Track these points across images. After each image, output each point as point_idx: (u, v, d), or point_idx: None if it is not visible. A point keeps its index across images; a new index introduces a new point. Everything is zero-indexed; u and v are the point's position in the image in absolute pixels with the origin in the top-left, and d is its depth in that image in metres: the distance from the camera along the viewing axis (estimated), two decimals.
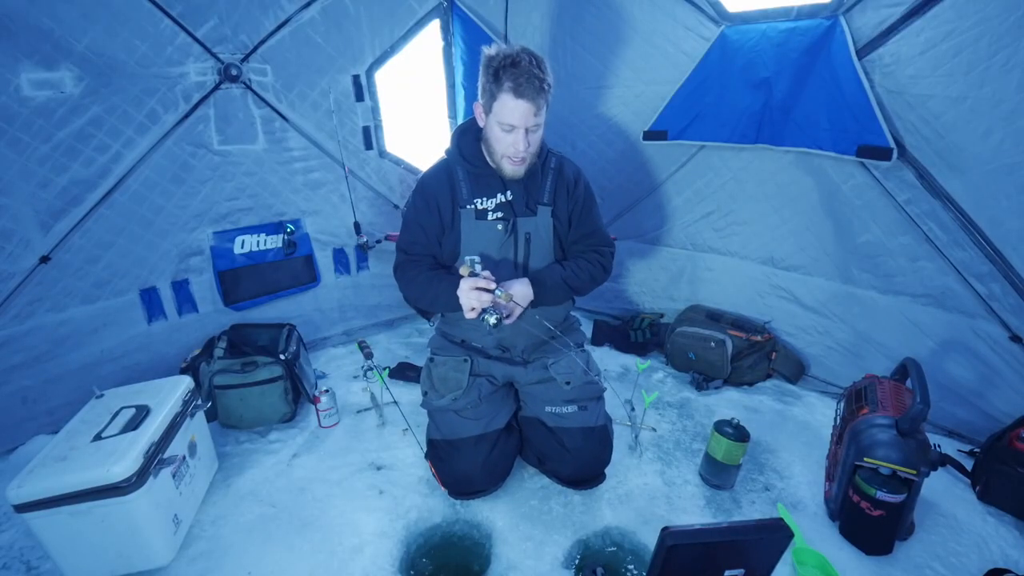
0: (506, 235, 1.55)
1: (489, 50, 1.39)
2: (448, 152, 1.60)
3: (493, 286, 1.42)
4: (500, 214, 1.54)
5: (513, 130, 1.39)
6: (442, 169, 1.58)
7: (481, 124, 1.49)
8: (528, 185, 1.56)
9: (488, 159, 1.53)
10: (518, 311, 1.50)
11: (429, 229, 1.58)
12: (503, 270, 1.56)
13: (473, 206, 1.53)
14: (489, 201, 1.54)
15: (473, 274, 1.46)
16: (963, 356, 1.94)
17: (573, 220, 1.63)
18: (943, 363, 1.98)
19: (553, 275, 1.58)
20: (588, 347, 1.82)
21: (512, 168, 1.47)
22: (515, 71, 1.32)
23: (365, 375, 2.44)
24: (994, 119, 1.62)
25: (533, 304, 1.55)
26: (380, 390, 2.20)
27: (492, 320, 1.43)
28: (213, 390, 2.01)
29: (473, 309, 1.43)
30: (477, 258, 1.49)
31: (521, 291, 1.50)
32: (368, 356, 2.21)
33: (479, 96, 1.43)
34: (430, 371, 1.72)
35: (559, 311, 1.73)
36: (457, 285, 1.46)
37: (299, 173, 2.52)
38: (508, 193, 1.54)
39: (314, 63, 2.38)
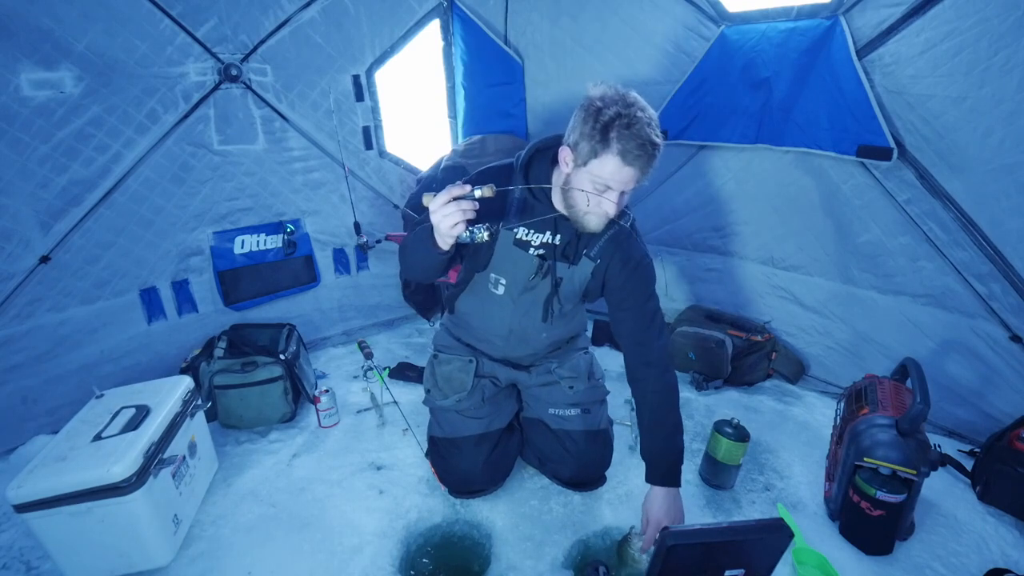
0: (538, 276, 1.43)
1: (595, 91, 1.20)
2: (512, 165, 1.39)
3: (468, 188, 1.13)
4: (541, 252, 1.41)
5: (608, 191, 1.21)
6: (497, 176, 1.36)
7: (565, 169, 1.26)
8: (581, 235, 1.38)
9: (555, 201, 1.35)
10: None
11: None
12: (526, 304, 1.50)
13: (516, 232, 1.38)
14: (535, 236, 1.39)
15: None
16: (963, 356, 1.94)
17: (621, 292, 1.45)
18: (943, 363, 1.98)
19: (670, 452, 1.45)
20: (590, 348, 1.81)
21: (595, 224, 1.28)
22: (629, 133, 1.13)
23: (365, 375, 2.44)
24: (994, 119, 1.62)
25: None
26: (380, 390, 2.20)
27: (485, 235, 1.16)
28: (213, 390, 2.01)
29: (457, 225, 1.12)
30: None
31: (656, 512, 1.41)
32: (368, 356, 2.21)
33: (571, 136, 1.22)
34: (434, 368, 1.71)
35: (572, 333, 1.71)
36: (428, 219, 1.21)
37: (299, 173, 2.52)
38: (557, 237, 1.39)
39: (314, 63, 2.38)
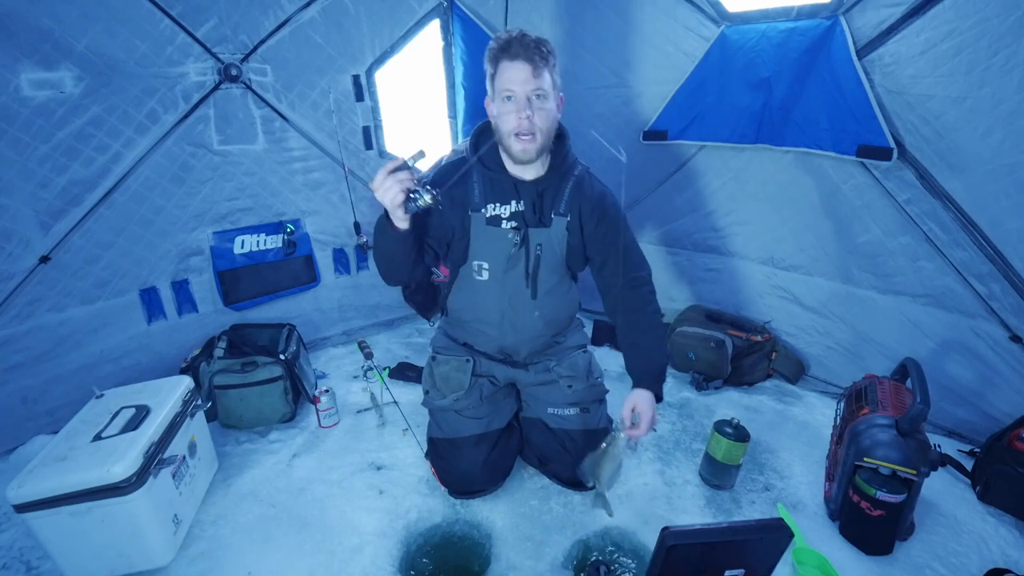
0: (516, 247, 1.47)
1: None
2: (464, 152, 1.49)
3: (404, 158, 1.19)
4: (514, 223, 1.45)
5: (513, 98, 1.29)
6: (455, 167, 1.47)
7: (491, 116, 1.40)
8: (543, 193, 1.46)
9: (503, 158, 1.44)
10: (648, 426, 1.40)
11: (430, 227, 1.48)
12: (512, 281, 1.52)
13: (485, 211, 1.45)
14: (503, 208, 1.45)
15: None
16: (963, 356, 1.94)
17: (599, 241, 1.49)
18: (943, 363, 1.98)
19: (656, 364, 1.48)
20: (589, 347, 1.81)
21: (521, 147, 1.33)
22: (508, 41, 1.28)
23: (365, 375, 2.44)
24: (994, 119, 1.62)
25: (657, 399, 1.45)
26: (380, 390, 2.20)
27: (427, 197, 1.18)
28: (213, 390, 2.01)
29: (397, 196, 1.18)
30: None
31: (649, 407, 1.42)
32: (368, 356, 2.21)
33: (487, 89, 1.37)
34: (432, 370, 1.71)
35: (564, 314, 1.70)
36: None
37: (299, 173, 2.52)
38: (521, 202, 1.46)
39: (314, 63, 2.38)
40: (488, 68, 1.34)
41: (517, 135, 1.32)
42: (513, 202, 1.46)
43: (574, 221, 1.49)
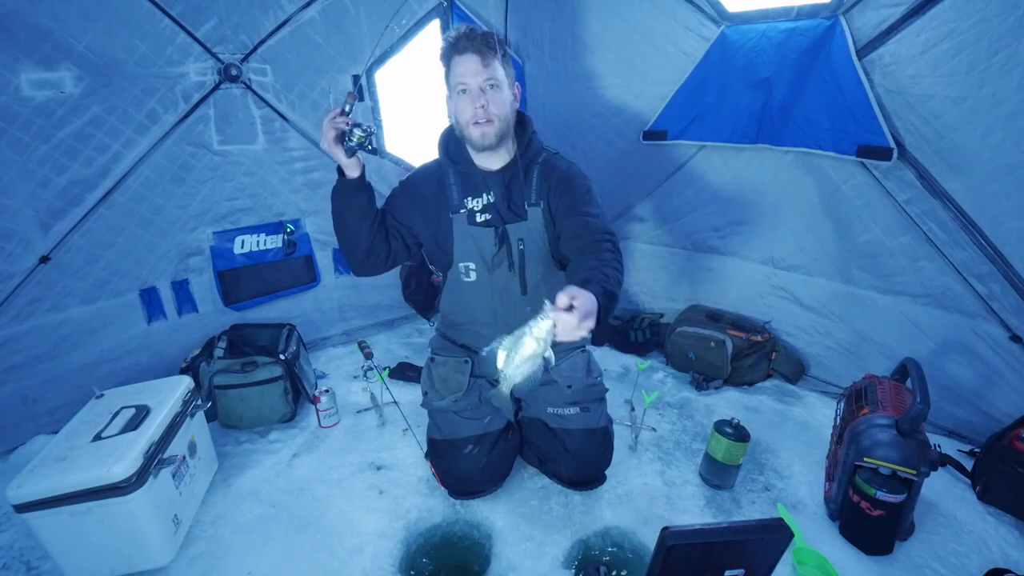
0: (496, 246, 1.49)
1: None
2: (438, 157, 1.57)
3: (343, 108, 1.35)
4: (488, 215, 1.49)
5: (468, 90, 1.35)
6: (433, 171, 1.55)
7: (450, 114, 1.45)
8: (511, 183, 1.48)
9: (471, 153, 1.47)
10: (581, 321, 1.02)
11: (410, 205, 1.54)
12: (500, 279, 1.53)
13: (465, 210, 1.49)
14: (476, 201, 1.50)
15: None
16: (963, 356, 1.94)
17: (561, 209, 1.45)
18: (943, 363, 1.98)
19: (603, 277, 1.17)
20: (588, 347, 1.81)
21: (479, 133, 1.37)
22: (456, 38, 1.34)
23: (365, 375, 2.44)
24: (994, 119, 1.62)
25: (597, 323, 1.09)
26: (380, 390, 2.20)
27: (358, 131, 1.32)
28: (213, 390, 2.01)
29: (333, 135, 1.33)
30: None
31: (587, 296, 1.04)
32: (368, 356, 2.21)
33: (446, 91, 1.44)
34: (430, 371, 1.71)
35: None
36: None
37: (299, 173, 2.52)
38: (491, 194, 1.48)
39: (314, 63, 2.38)
40: (442, 67, 1.41)
41: (475, 123, 1.38)
42: (484, 195, 1.49)
43: (545, 206, 1.49)
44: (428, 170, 1.57)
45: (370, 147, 1.37)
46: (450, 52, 1.36)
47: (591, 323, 1.03)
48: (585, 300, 1.04)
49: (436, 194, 1.52)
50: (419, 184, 1.56)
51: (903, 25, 1.71)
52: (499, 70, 1.37)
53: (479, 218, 1.49)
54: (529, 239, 1.50)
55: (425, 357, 1.78)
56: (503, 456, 1.71)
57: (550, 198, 1.48)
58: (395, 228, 1.55)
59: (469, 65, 1.33)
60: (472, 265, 1.52)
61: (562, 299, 1.03)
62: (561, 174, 1.48)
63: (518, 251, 1.50)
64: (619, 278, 1.22)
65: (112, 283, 2.10)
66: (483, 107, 1.35)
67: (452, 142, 1.52)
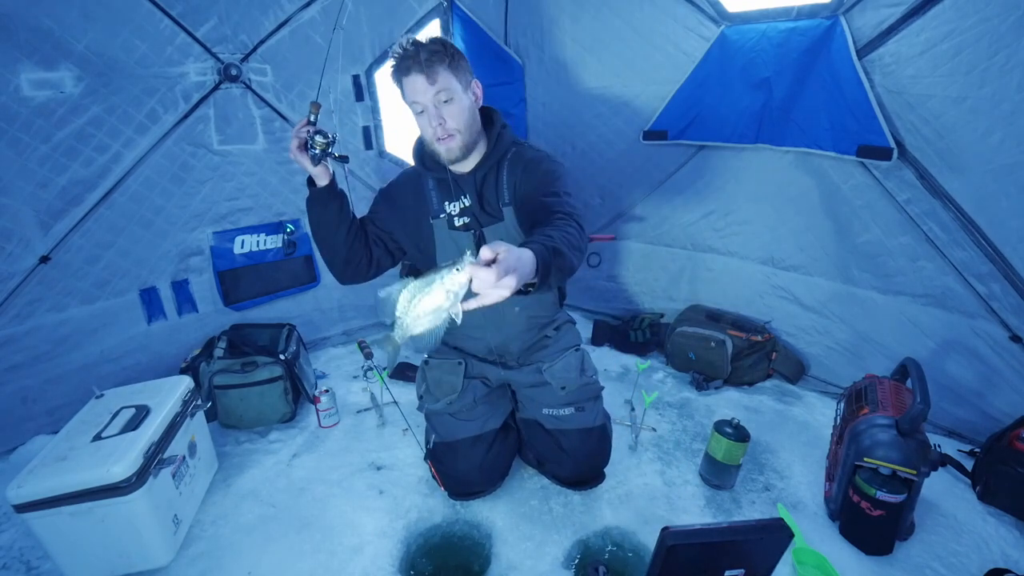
0: (475, 249, 1.39)
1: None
2: (414, 166, 1.55)
3: (308, 117, 1.37)
4: (466, 219, 1.48)
5: (424, 110, 1.34)
6: (411, 178, 1.54)
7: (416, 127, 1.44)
8: (483, 183, 1.46)
9: (443, 160, 1.44)
10: (504, 275, 0.89)
11: (391, 211, 1.54)
12: None
13: (445, 215, 1.48)
14: (453, 206, 1.49)
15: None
16: (963, 356, 1.94)
17: (530, 196, 1.38)
18: (943, 363, 1.98)
19: (549, 240, 1.07)
20: (587, 347, 1.81)
21: (446, 148, 1.37)
22: (400, 58, 1.31)
23: (365, 375, 2.44)
24: (994, 119, 1.62)
25: (539, 282, 1.03)
26: (380, 390, 2.20)
27: (319, 139, 1.32)
28: (213, 390, 2.01)
29: (297, 144, 1.33)
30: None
31: (514, 251, 0.94)
32: (368, 356, 2.21)
33: None
34: (425, 375, 1.71)
35: (548, 310, 1.69)
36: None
37: (299, 173, 2.51)
38: (465, 198, 1.47)
39: (314, 63, 2.38)
40: (394, 80, 1.37)
41: (438, 140, 1.38)
42: (461, 198, 1.48)
43: (517, 203, 1.45)
44: (407, 177, 1.57)
45: (335, 155, 1.38)
46: (398, 74, 1.33)
47: (512, 281, 0.89)
48: (510, 256, 0.91)
49: (416, 201, 1.51)
50: (399, 192, 1.55)
51: (903, 25, 1.71)
52: (450, 80, 1.31)
53: (457, 222, 1.48)
54: (508, 239, 1.36)
55: (421, 359, 1.78)
56: (501, 456, 1.70)
57: (517, 191, 1.44)
58: (377, 235, 1.54)
59: (417, 84, 1.31)
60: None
61: (485, 252, 0.90)
62: (525, 162, 1.44)
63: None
64: (569, 240, 1.10)
65: (112, 283, 2.10)
66: (441, 124, 1.34)
67: (426, 150, 1.49)
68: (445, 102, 1.33)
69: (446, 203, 1.49)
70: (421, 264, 1.59)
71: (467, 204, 1.47)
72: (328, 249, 1.50)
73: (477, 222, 1.47)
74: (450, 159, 1.41)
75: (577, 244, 1.13)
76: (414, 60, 1.29)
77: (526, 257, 0.96)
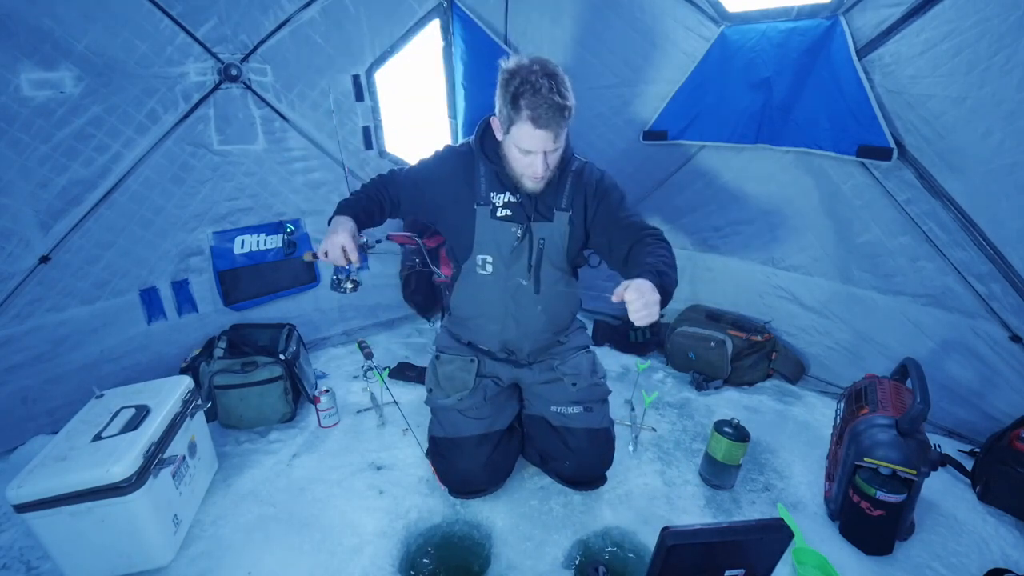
0: (519, 240, 1.49)
1: (506, 64, 1.29)
2: (471, 144, 1.51)
3: (355, 260, 1.41)
4: (509, 212, 1.48)
5: (531, 154, 1.33)
6: (462, 157, 1.51)
7: (499, 138, 1.40)
8: (542, 190, 1.46)
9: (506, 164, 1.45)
10: (648, 304, 1.12)
11: (419, 196, 1.56)
12: (515, 273, 1.53)
13: (491, 204, 1.48)
14: (499, 197, 1.48)
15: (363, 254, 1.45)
16: (963, 356, 1.94)
17: (601, 220, 1.48)
18: (943, 363, 1.98)
19: (663, 264, 1.27)
20: (592, 347, 1.81)
21: (531, 185, 1.41)
22: (534, 99, 1.22)
23: (365, 375, 2.44)
24: (994, 119, 1.62)
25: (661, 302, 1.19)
26: (380, 390, 2.20)
27: (348, 286, 1.44)
28: (213, 390, 2.01)
29: (326, 254, 1.39)
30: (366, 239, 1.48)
31: (648, 286, 1.14)
32: (368, 356, 2.21)
33: (496, 111, 1.35)
34: (436, 369, 1.71)
35: (566, 310, 1.70)
36: (338, 212, 1.46)
37: (299, 173, 2.52)
38: (518, 195, 1.47)
39: (314, 63, 2.38)
40: (504, 106, 1.29)
41: (532, 178, 1.39)
42: (509, 193, 1.48)
43: (577, 214, 1.50)
44: (458, 154, 1.53)
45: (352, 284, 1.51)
46: (526, 113, 1.25)
47: (655, 296, 1.13)
48: (644, 287, 1.13)
49: (464, 180, 1.50)
50: (445, 168, 1.52)
51: (903, 25, 1.71)
52: (564, 134, 1.33)
53: (499, 213, 1.49)
54: (550, 240, 1.51)
55: (428, 356, 1.78)
56: (505, 456, 1.71)
57: (586, 209, 1.50)
58: (393, 199, 1.57)
59: (542, 138, 1.28)
60: (489, 258, 1.52)
61: (620, 291, 1.14)
62: (595, 186, 1.49)
63: (538, 249, 1.51)
64: (668, 261, 1.29)
65: (112, 283, 2.10)
66: (544, 169, 1.35)
67: (489, 138, 1.46)
68: (555, 150, 1.35)
69: (492, 193, 1.48)
70: (457, 247, 1.58)
71: (516, 199, 1.48)
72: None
73: (525, 215, 1.48)
74: (532, 191, 1.44)
75: (673, 263, 1.32)
76: (552, 119, 1.24)
77: (647, 288, 1.14)
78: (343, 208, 1.50)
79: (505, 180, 1.47)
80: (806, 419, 2.15)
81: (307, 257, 1.57)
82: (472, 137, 1.50)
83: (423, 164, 1.58)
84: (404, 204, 1.59)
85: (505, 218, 1.49)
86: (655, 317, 1.14)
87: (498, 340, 1.66)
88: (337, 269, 1.48)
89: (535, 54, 1.31)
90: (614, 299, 1.15)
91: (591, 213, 1.50)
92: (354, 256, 1.40)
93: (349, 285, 1.44)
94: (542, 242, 1.51)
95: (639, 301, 1.11)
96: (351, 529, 1.60)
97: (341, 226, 1.40)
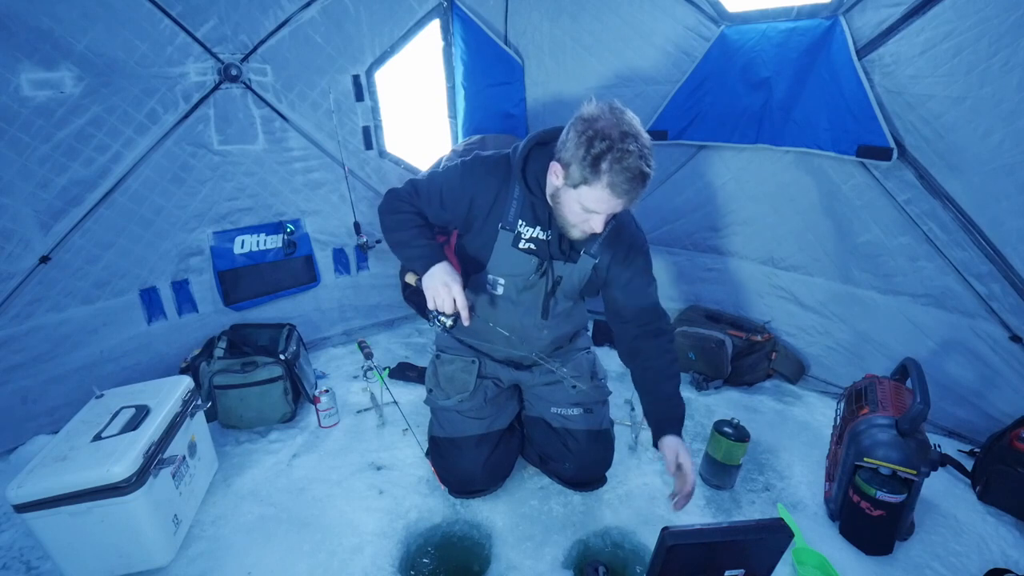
0: (536, 275, 1.44)
1: (589, 112, 1.19)
2: (511, 162, 1.38)
3: (464, 310, 1.35)
4: (532, 246, 1.41)
5: (595, 214, 1.23)
6: (499, 172, 1.39)
7: (555, 183, 1.26)
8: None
9: (549, 198, 1.33)
10: (690, 483, 1.36)
11: (446, 213, 1.45)
12: (526, 302, 1.50)
13: (516, 232, 1.40)
14: (528, 229, 1.40)
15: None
16: (963, 356, 1.94)
17: (623, 280, 1.47)
18: (943, 363, 1.98)
19: (677, 407, 1.46)
20: (593, 348, 1.81)
21: (580, 236, 1.33)
22: (620, 167, 1.13)
23: (365, 375, 2.44)
24: (994, 119, 1.62)
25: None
26: (380, 390, 2.20)
27: (448, 323, 1.38)
28: (213, 390, 2.01)
29: (433, 300, 1.35)
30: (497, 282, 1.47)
31: (687, 454, 1.38)
32: (368, 356, 2.21)
33: (562, 153, 1.21)
34: (436, 369, 1.71)
35: (572, 330, 1.71)
36: (432, 258, 1.37)
37: (299, 173, 2.52)
38: (549, 232, 1.39)
39: (314, 63, 2.38)
40: (581, 164, 1.16)
41: (585, 232, 1.31)
42: (539, 228, 1.40)
43: (602, 264, 1.46)
44: (489, 168, 1.40)
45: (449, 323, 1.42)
46: (607, 184, 1.16)
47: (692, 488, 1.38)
48: (687, 458, 1.38)
49: (493, 197, 1.39)
50: (479, 190, 1.40)
51: (903, 25, 1.71)
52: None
53: (523, 244, 1.41)
54: (568, 278, 1.47)
55: (428, 355, 1.78)
56: (505, 456, 1.71)
57: (612, 263, 1.46)
58: (424, 213, 1.49)
59: (614, 205, 1.21)
60: (502, 281, 1.48)
61: (673, 467, 1.38)
62: (628, 245, 1.46)
63: (553, 284, 1.48)
64: (679, 382, 1.50)
65: (112, 283, 2.10)
66: (600, 227, 1.27)
67: (534, 164, 1.35)
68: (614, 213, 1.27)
69: (521, 221, 1.39)
70: (469, 260, 1.50)
71: (544, 236, 1.40)
72: (394, 245, 1.50)
73: (548, 254, 1.42)
74: (577, 239, 1.36)
75: (675, 362, 1.51)
76: (634, 189, 1.17)
77: (684, 451, 1.39)
78: (422, 246, 1.41)
79: (540, 214, 1.38)
80: (806, 419, 2.15)
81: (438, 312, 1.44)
82: (514, 155, 1.38)
83: (446, 179, 1.43)
84: (433, 222, 1.51)
85: (527, 251, 1.42)
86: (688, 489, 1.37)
87: (502, 352, 1.65)
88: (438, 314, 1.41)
89: (614, 105, 1.21)
90: (668, 464, 1.39)
91: (616, 271, 1.47)
92: (461, 302, 1.35)
93: (449, 322, 1.38)
94: (559, 279, 1.47)
95: (690, 477, 1.36)
96: (351, 529, 1.60)
97: (450, 277, 1.35)
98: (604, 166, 1.14)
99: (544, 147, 1.35)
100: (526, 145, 1.36)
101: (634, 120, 1.19)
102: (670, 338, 1.51)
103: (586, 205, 1.22)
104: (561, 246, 1.43)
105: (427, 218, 1.48)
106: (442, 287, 1.34)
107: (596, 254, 1.45)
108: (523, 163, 1.35)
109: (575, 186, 1.21)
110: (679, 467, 1.36)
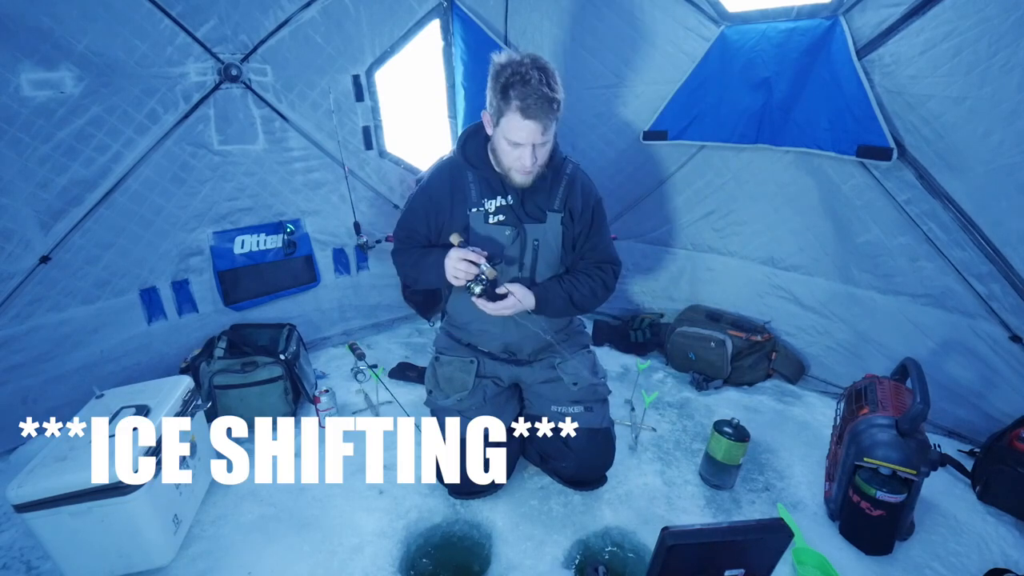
0: (512, 241, 1.52)
1: (498, 58, 1.34)
2: (453, 154, 1.56)
3: (482, 261, 1.41)
4: (501, 216, 1.51)
5: (520, 147, 1.36)
6: (449, 169, 1.54)
7: (489, 132, 1.45)
8: (534, 189, 1.51)
9: (494, 165, 1.49)
10: (510, 309, 1.46)
11: (430, 224, 1.57)
12: (511, 277, 1.54)
13: (483, 208, 1.50)
14: (491, 203, 1.51)
15: (463, 245, 1.45)
16: (963, 356, 1.94)
17: (581, 235, 1.59)
18: (943, 363, 1.98)
19: (555, 289, 1.55)
20: (592, 347, 1.81)
21: (520, 178, 1.44)
22: (524, 89, 1.28)
23: (356, 377, 2.42)
24: (994, 119, 1.62)
25: (534, 312, 1.52)
26: (375, 387, 2.19)
27: (477, 289, 1.41)
28: (213, 390, 2.01)
29: (456, 278, 1.43)
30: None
31: (523, 292, 1.48)
32: (360, 357, 2.20)
33: (487, 104, 1.39)
34: (435, 370, 1.71)
35: (565, 319, 1.72)
36: (440, 256, 1.46)
37: (299, 173, 2.52)
38: (509, 197, 1.51)
39: (314, 63, 2.38)
40: (494, 98, 1.34)
41: (522, 172, 1.42)
42: (500, 197, 1.51)
43: (567, 216, 1.55)
44: (443, 169, 1.56)
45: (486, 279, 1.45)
46: (514, 104, 1.30)
47: (508, 312, 1.47)
48: (518, 290, 1.45)
49: (453, 192, 1.52)
50: (435, 187, 1.55)
51: (903, 25, 1.71)
52: (553, 128, 1.37)
53: (491, 219, 1.51)
54: (544, 242, 1.54)
55: (429, 356, 1.78)
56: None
57: (568, 209, 1.55)
58: (426, 242, 1.62)
59: (531, 129, 1.32)
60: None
61: (510, 288, 1.46)
62: (585, 199, 1.57)
63: (532, 249, 1.53)
64: (590, 291, 1.57)
65: (112, 283, 2.10)
66: (533, 163, 1.38)
67: (472, 143, 1.51)
68: (543, 144, 1.38)
69: (484, 198, 1.51)
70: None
71: (507, 203, 1.51)
72: (420, 281, 1.63)
73: (517, 219, 1.51)
74: (520, 186, 1.46)
75: (598, 293, 1.60)
76: (540, 109, 1.29)
77: (528, 302, 1.49)
78: (430, 261, 1.52)
79: (495, 183, 1.50)
80: (806, 419, 2.15)
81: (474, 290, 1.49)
82: (455, 147, 1.54)
83: (421, 194, 1.59)
84: (433, 239, 1.60)
85: (498, 223, 1.51)
86: (506, 313, 1.47)
87: (499, 342, 1.67)
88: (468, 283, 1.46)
89: (523, 51, 1.35)
90: (499, 290, 1.46)
91: (580, 226, 1.57)
92: (472, 256, 1.41)
93: (477, 289, 1.42)
94: (536, 243, 1.53)
95: (512, 298, 1.45)
96: (351, 529, 1.60)
97: (455, 252, 1.43)
98: (512, 93, 1.29)
99: (475, 134, 1.52)
100: (462, 135, 1.54)
101: (539, 57, 1.34)
102: (609, 275, 1.63)
103: (509, 137, 1.35)
104: (526, 207, 1.52)
105: (429, 241, 1.61)
106: (456, 263, 1.41)
107: (559, 208, 1.54)
108: (462, 152, 1.51)
109: (497, 123, 1.37)
110: (509, 293, 1.46)
